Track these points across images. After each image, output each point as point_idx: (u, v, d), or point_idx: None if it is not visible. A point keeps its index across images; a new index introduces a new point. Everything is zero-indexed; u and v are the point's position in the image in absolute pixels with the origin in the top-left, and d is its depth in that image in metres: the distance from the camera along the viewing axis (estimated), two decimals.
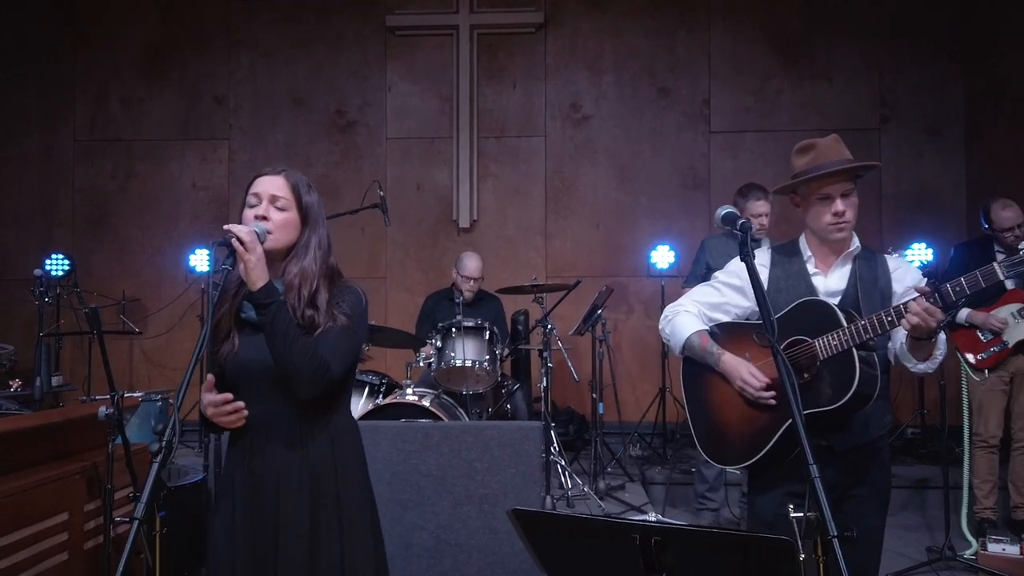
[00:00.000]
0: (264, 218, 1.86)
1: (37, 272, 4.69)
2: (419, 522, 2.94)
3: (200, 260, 5.83)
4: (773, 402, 2.11)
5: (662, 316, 2.45)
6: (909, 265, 2.30)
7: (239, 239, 1.73)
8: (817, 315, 2.10)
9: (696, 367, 2.34)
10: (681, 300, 2.43)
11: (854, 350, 2.00)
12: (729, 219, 1.81)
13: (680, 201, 6.21)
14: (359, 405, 4.32)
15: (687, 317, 2.34)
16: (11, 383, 4.08)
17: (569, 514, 1.47)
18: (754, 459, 2.16)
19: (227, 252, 1.73)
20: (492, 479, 2.96)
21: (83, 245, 6.43)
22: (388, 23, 6.35)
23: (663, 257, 5.57)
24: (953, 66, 6.01)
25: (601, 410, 4.54)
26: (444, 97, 6.37)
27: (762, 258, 2.31)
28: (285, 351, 1.74)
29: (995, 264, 1.85)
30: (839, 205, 2.13)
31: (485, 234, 6.28)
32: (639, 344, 6.17)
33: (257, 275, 1.74)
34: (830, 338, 2.04)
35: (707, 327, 2.32)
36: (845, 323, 2.03)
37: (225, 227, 1.78)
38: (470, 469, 2.94)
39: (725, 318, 2.33)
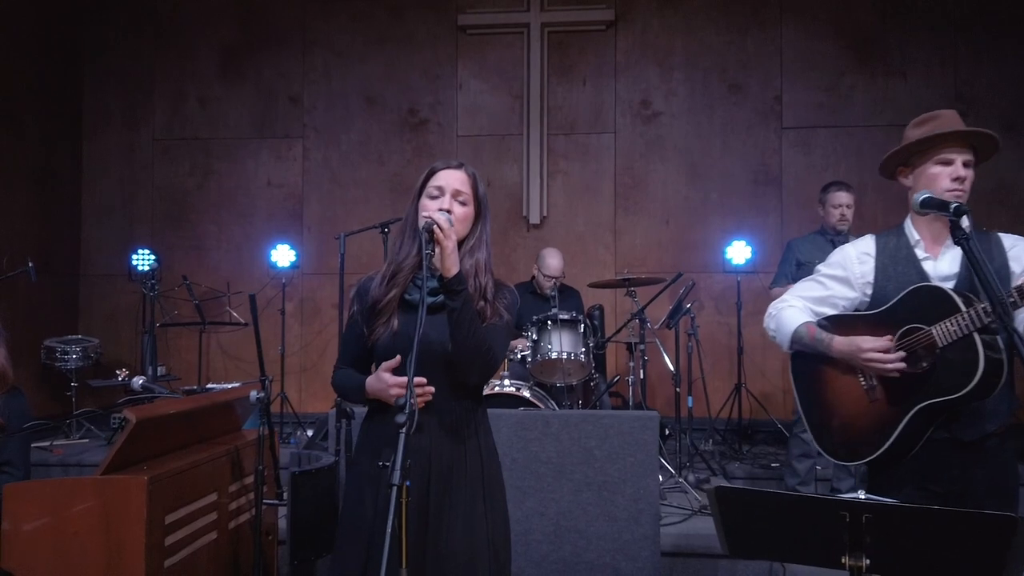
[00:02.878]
0: (448, 211, 1.92)
1: (143, 268, 4.82)
2: (539, 508, 3.00)
3: (282, 255, 5.95)
4: (903, 365, 2.07)
5: (766, 314, 2.44)
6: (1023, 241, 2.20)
7: (439, 226, 1.81)
8: (931, 301, 2.06)
9: (807, 364, 2.33)
10: (784, 296, 2.42)
11: (975, 335, 1.96)
12: (930, 203, 1.81)
13: (751, 198, 6.21)
14: None
15: (792, 311, 2.33)
16: (118, 373, 4.21)
17: (778, 492, 1.52)
18: (877, 454, 2.13)
19: (427, 238, 1.80)
20: (611, 467, 3.02)
21: (162, 241, 6.60)
22: (460, 22, 6.43)
23: (739, 253, 5.58)
24: None
25: (690, 403, 4.57)
26: (514, 95, 6.44)
27: (866, 246, 2.30)
28: (469, 337, 1.81)
29: None
30: (960, 169, 2.11)
31: (555, 230, 6.33)
32: (710, 340, 6.17)
33: (453, 261, 1.82)
34: (948, 324, 1.99)
35: (812, 319, 2.29)
36: (964, 307, 1.98)
37: (425, 215, 1.86)
38: (589, 457, 3.00)
39: (831, 311, 2.30)
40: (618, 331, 4.34)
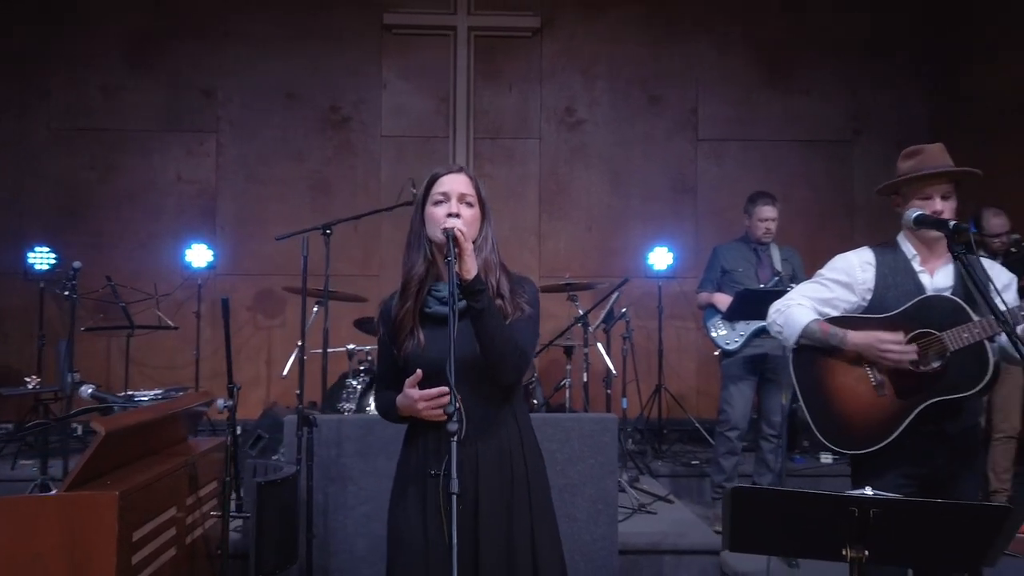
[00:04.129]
0: (457, 215, 1.92)
1: (41, 267, 4.48)
2: None
3: (198, 255, 5.68)
4: (914, 355, 2.26)
5: (772, 310, 2.60)
6: (1000, 266, 2.49)
7: (461, 232, 1.80)
8: (943, 310, 2.27)
9: (810, 358, 2.48)
10: (790, 295, 2.60)
11: (985, 341, 2.19)
12: (924, 220, 1.96)
13: (669, 205, 6.45)
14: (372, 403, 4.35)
15: (801, 309, 2.50)
16: (27, 380, 3.91)
17: (794, 490, 1.61)
18: (882, 444, 2.30)
19: (451, 246, 1.79)
20: (572, 469, 3.08)
21: (58, 238, 6.14)
22: (385, 21, 6.34)
23: (661, 259, 5.79)
24: (920, 84, 6.48)
25: (625, 405, 4.70)
26: (440, 97, 6.42)
27: (868, 257, 2.51)
28: (497, 337, 1.81)
29: None
30: (938, 204, 2.33)
31: None
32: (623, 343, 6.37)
33: (472, 264, 1.82)
34: (960, 331, 2.20)
35: (819, 318, 2.46)
36: (976, 318, 2.20)
37: (444, 224, 1.84)
38: (551, 460, 3.01)
39: (834, 312, 2.49)
40: (562, 334, 4.41)
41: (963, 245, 1.82)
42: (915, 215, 2.05)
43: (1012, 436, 4.40)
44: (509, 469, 1.91)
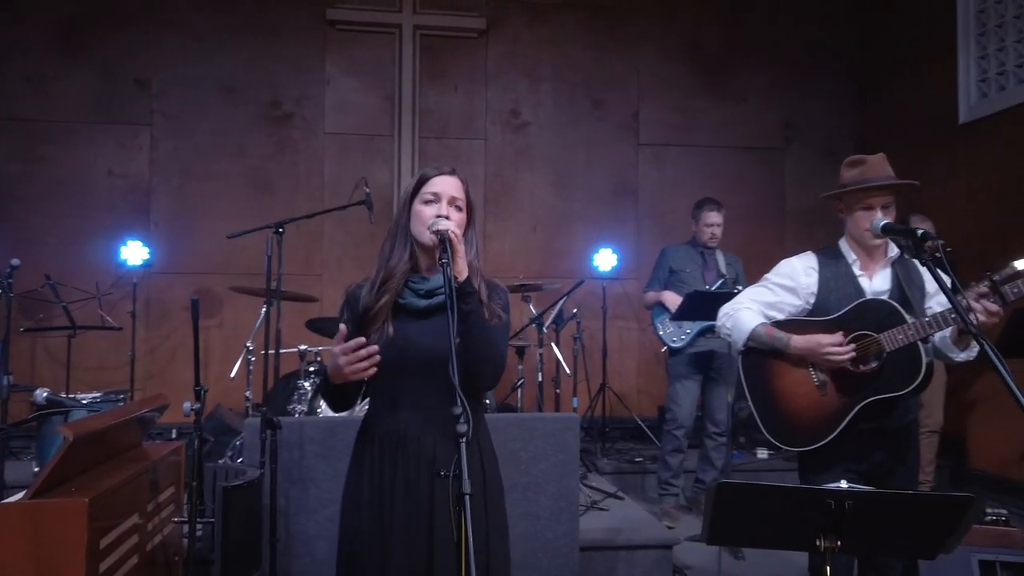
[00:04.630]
0: (446, 218, 1.93)
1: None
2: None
3: (133, 253, 5.46)
4: (853, 354, 2.38)
5: (721, 313, 2.70)
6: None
7: (455, 234, 1.81)
8: (879, 313, 2.41)
9: (757, 360, 2.60)
10: (738, 299, 2.69)
11: (919, 343, 2.32)
12: (891, 229, 2.07)
13: (611, 208, 6.58)
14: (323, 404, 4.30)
15: (748, 313, 2.60)
16: None
17: (776, 484, 1.69)
18: (825, 441, 2.42)
19: (444, 247, 1.80)
20: (535, 467, 3.12)
21: None
22: (329, 16, 6.25)
23: (606, 260, 5.89)
24: (849, 95, 6.79)
25: (575, 404, 4.78)
26: (385, 95, 6.37)
27: (811, 262, 2.63)
28: (481, 339, 1.83)
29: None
30: (879, 214, 2.46)
31: None
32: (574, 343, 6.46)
33: (464, 265, 1.84)
34: (896, 332, 2.33)
35: (767, 322, 2.58)
36: (910, 320, 2.33)
37: (436, 225, 1.85)
38: (515, 459, 3.08)
39: (779, 316, 2.61)
40: (518, 333, 4.45)
41: (929, 253, 1.93)
42: (882, 224, 2.18)
43: (935, 431, 4.67)
44: (469, 469, 1.93)
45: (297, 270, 6.08)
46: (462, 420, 1.52)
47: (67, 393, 4.82)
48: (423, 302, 1.95)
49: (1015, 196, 4.90)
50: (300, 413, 4.13)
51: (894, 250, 2.56)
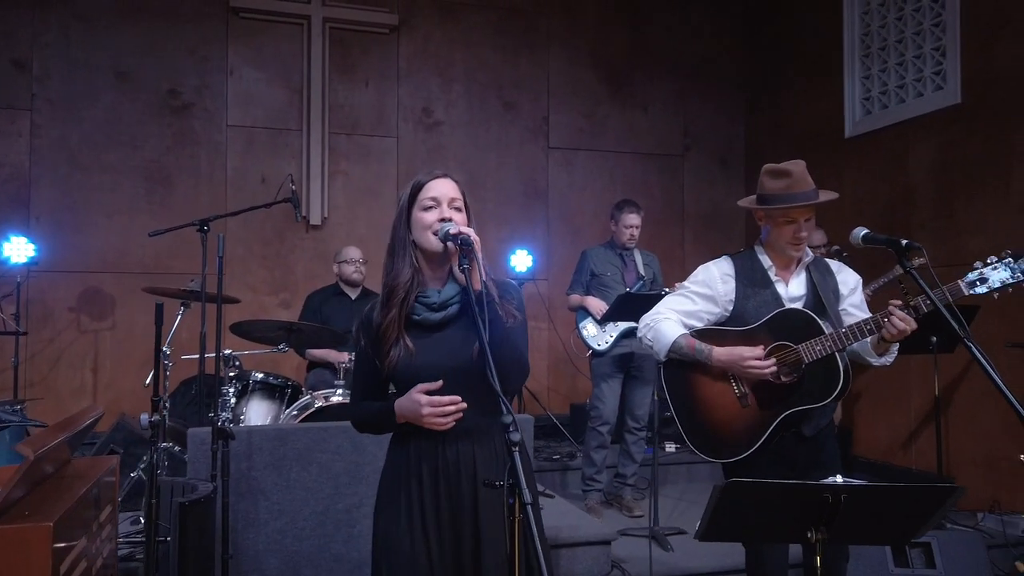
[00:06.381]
0: (449, 220, 1.91)
1: None
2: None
3: (16, 250, 4.98)
4: (774, 368, 2.44)
5: (642, 324, 2.72)
6: (848, 269, 2.73)
7: (475, 239, 1.79)
8: (797, 323, 2.48)
9: (679, 370, 2.63)
10: (658, 308, 2.71)
11: (836, 354, 2.40)
12: (874, 239, 2.18)
13: (522, 210, 6.65)
14: (263, 408, 4.14)
15: (669, 323, 2.62)
16: None
17: (782, 482, 1.78)
18: (749, 452, 2.49)
19: (462, 250, 1.77)
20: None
21: None
22: (232, 3, 5.95)
23: (522, 261, 5.96)
24: (741, 107, 7.19)
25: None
26: (293, 88, 6.14)
27: (727, 268, 2.66)
28: (506, 346, 1.81)
29: (960, 282, 2.29)
30: (802, 228, 2.54)
31: (336, 232, 6.17)
32: None
33: (479, 273, 1.81)
34: (814, 343, 2.41)
35: (686, 331, 2.61)
36: (827, 331, 2.42)
37: (454, 229, 1.82)
38: None
39: (699, 324, 2.65)
40: None
41: (911, 261, 2.05)
42: (862, 234, 2.25)
43: (835, 424, 5.03)
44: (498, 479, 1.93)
45: (199, 268, 5.74)
46: (513, 428, 1.51)
47: None
48: (438, 315, 1.91)
49: (898, 207, 5.36)
50: (224, 421, 3.91)
51: (808, 254, 2.64)
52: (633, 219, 4.81)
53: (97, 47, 5.72)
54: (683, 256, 6.99)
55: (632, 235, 4.80)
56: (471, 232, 1.84)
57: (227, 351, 3.98)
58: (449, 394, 1.85)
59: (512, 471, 1.50)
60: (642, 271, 4.83)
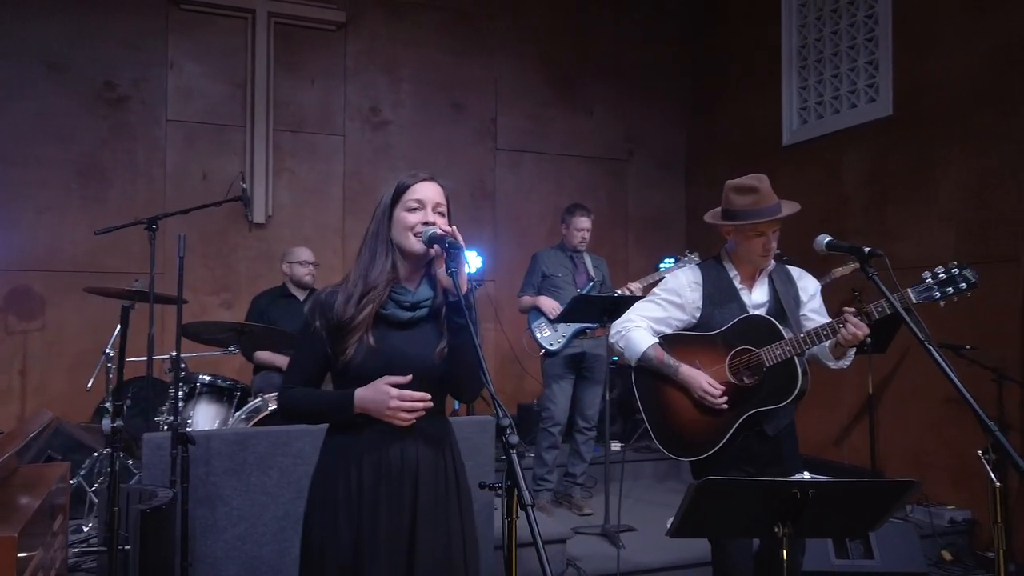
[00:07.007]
0: (432, 224, 1.92)
1: None
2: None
3: None
4: (726, 407, 2.60)
5: (613, 331, 2.85)
6: (808, 276, 2.88)
7: (462, 243, 1.80)
8: (760, 329, 2.62)
9: (648, 375, 2.77)
10: (629, 315, 2.84)
11: (795, 358, 2.54)
12: (837, 247, 2.28)
13: (470, 211, 6.66)
14: (210, 412, 4.04)
15: (640, 332, 2.76)
16: None
17: (754, 479, 1.85)
18: (714, 450, 2.62)
19: (449, 254, 1.79)
20: None
21: None
22: None
23: (472, 262, 5.96)
24: (683, 114, 7.36)
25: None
26: (236, 83, 6.00)
27: (695, 276, 2.80)
28: (474, 352, 1.83)
29: (910, 290, 2.40)
30: (771, 241, 2.69)
31: (280, 232, 6.05)
32: None
33: (464, 277, 1.82)
34: (774, 348, 2.56)
35: (656, 339, 2.75)
36: (787, 336, 2.56)
37: (443, 229, 1.83)
38: None
39: (668, 330, 2.78)
40: None
41: (873, 269, 2.16)
42: (826, 241, 2.36)
43: None
44: (443, 478, 1.96)
45: (135, 268, 5.56)
46: (510, 430, 1.53)
47: None
48: (407, 314, 1.93)
49: (832, 213, 5.59)
50: (171, 426, 3.80)
51: (771, 263, 2.77)
52: (584, 222, 4.89)
53: (25, 36, 5.46)
54: (627, 258, 7.12)
55: (583, 238, 4.89)
56: (460, 237, 1.85)
57: (174, 353, 3.86)
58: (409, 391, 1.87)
59: (511, 473, 1.52)
60: (592, 273, 4.91)
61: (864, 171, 5.43)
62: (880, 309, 2.41)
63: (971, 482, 4.53)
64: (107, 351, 3.89)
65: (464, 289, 1.82)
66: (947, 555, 4.33)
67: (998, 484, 1.66)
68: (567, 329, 4.71)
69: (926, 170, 4.97)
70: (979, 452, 1.65)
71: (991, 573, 4.14)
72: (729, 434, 2.61)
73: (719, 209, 2.76)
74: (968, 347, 4.31)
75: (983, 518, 4.47)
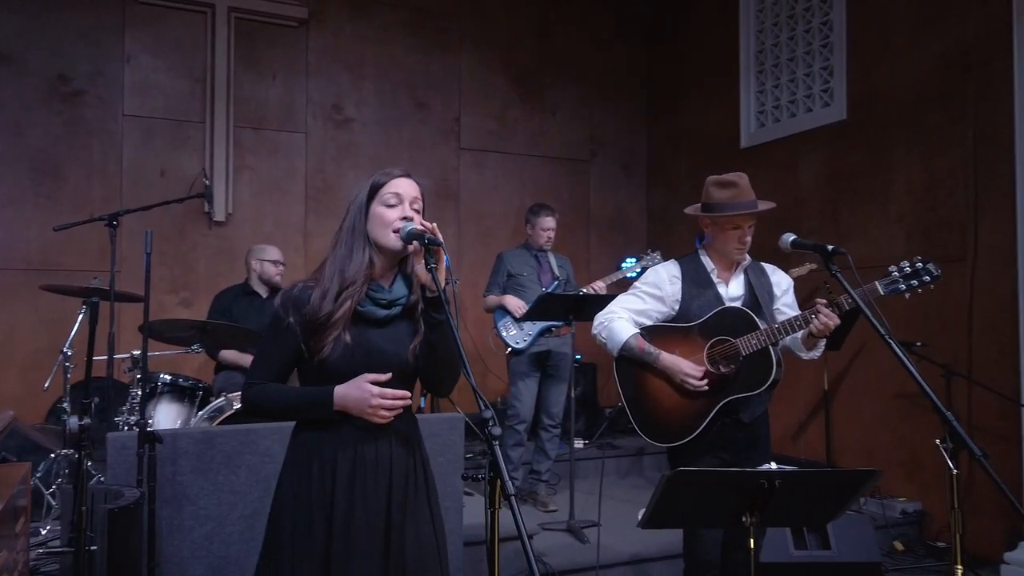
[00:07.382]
0: (410, 219, 1.93)
1: None
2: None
3: None
4: (707, 388, 2.70)
5: (596, 323, 2.92)
6: (781, 271, 3.01)
7: (440, 240, 1.82)
8: (736, 320, 2.73)
9: (630, 364, 2.86)
10: (611, 307, 2.92)
11: (770, 347, 2.65)
12: (802, 244, 2.35)
13: (434, 210, 6.59)
14: (172, 412, 3.98)
15: (621, 323, 2.85)
16: None
17: (720, 470, 1.91)
18: (692, 436, 2.71)
19: (428, 250, 1.80)
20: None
21: None
22: None
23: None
24: (644, 115, 7.46)
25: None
26: (196, 79, 5.90)
27: (675, 271, 2.91)
28: (455, 348, 1.85)
29: (877, 283, 2.53)
30: (746, 235, 2.81)
31: (241, 229, 5.97)
32: None
33: (443, 274, 1.84)
34: (750, 338, 2.66)
35: (637, 330, 2.84)
36: (763, 326, 2.67)
37: (424, 225, 1.84)
38: None
39: (648, 322, 2.88)
40: None
41: (837, 265, 2.24)
42: (791, 239, 2.46)
43: None
44: (414, 474, 1.98)
45: (91, 265, 5.45)
46: (492, 423, 1.56)
47: None
48: (383, 312, 1.94)
49: (789, 214, 5.72)
50: (131, 426, 3.74)
51: (747, 258, 2.90)
52: (550, 222, 4.94)
53: None
54: (589, 258, 7.20)
55: (549, 237, 4.93)
56: (439, 233, 1.87)
57: (135, 352, 3.80)
58: (384, 388, 1.88)
59: (493, 464, 1.54)
60: (557, 272, 4.96)
61: (819, 173, 5.58)
62: (851, 301, 2.49)
63: (921, 475, 4.70)
64: (64, 350, 3.80)
65: (442, 284, 1.84)
66: (899, 545, 4.48)
67: (955, 471, 1.74)
68: (533, 327, 4.75)
69: (879, 173, 5.13)
70: (937, 441, 1.73)
71: (941, 561, 4.30)
72: (707, 420, 2.70)
73: (699, 204, 2.84)
74: (919, 344, 4.47)
75: (933, 509, 4.64)
